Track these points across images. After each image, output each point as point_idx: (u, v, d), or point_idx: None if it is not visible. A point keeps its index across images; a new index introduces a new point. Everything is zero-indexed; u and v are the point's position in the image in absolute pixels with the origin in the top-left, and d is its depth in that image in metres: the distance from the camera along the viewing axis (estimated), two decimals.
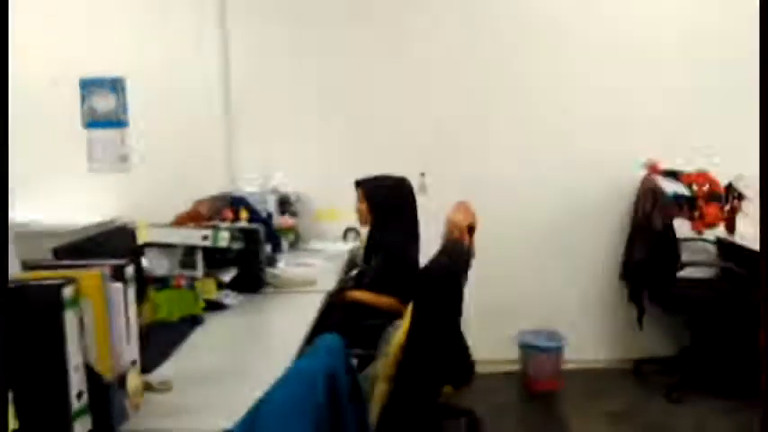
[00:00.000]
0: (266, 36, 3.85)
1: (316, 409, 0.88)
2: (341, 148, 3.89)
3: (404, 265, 2.69)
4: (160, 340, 1.90)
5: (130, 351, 1.49)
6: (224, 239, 2.24)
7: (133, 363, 1.50)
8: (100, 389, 1.36)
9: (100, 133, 3.87)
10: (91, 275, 1.35)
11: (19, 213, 3.52)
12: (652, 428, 3.12)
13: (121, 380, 1.43)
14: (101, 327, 1.36)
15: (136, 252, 2.06)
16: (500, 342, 3.76)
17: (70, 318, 1.28)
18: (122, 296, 1.45)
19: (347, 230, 3.83)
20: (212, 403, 1.51)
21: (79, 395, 1.31)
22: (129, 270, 1.51)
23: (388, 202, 2.89)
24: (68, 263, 1.43)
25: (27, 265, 1.49)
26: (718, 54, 3.74)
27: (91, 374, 1.35)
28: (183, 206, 2.83)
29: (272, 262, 2.88)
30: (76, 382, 1.30)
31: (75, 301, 1.30)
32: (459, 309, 1.78)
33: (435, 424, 1.85)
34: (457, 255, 1.68)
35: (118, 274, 1.45)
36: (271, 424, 0.80)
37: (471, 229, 2.46)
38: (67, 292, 1.28)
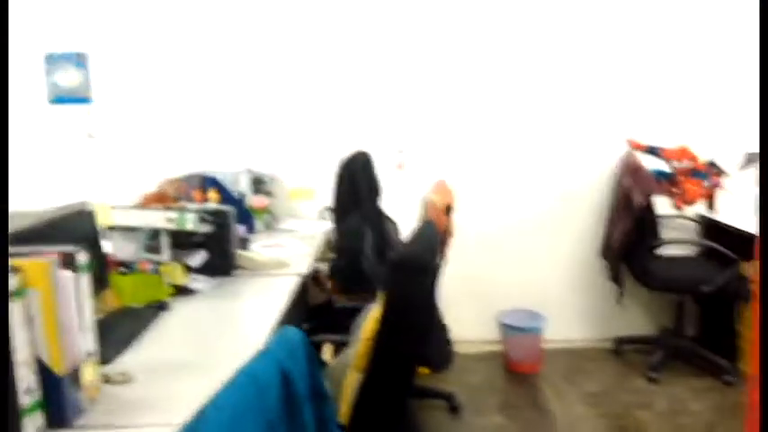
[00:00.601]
0: (237, 9, 3.72)
1: (267, 414, 0.81)
2: (316, 125, 3.79)
3: (361, 259, 2.63)
4: (122, 328, 1.81)
5: (85, 342, 1.41)
6: (190, 222, 2.15)
7: (89, 354, 1.42)
8: (51, 383, 1.29)
9: (65, 109, 3.73)
10: (37, 264, 1.26)
11: None
12: (631, 408, 3.11)
13: (76, 373, 1.35)
14: (50, 318, 1.28)
15: (95, 236, 1.96)
16: (480, 322, 3.73)
17: (16, 310, 1.21)
18: (74, 285, 1.37)
19: (324, 209, 3.75)
20: (174, 396, 1.44)
21: (29, 390, 1.24)
22: (82, 257, 1.42)
23: (340, 186, 2.81)
24: (16, 251, 1.34)
25: None
26: (701, 28, 3.69)
27: (41, 368, 1.28)
28: (155, 186, 2.73)
29: (244, 244, 2.79)
30: (25, 376, 1.23)
31: (20, 292, 1.22)
32: (433, 294, 1.71)
33: (409, 409, 1.79)
34: (429, 239, 1.62)
35: (68, 262, 1.36)
36: None
37: (449, 209, 2.39)
38: (12, 282, 1.20)
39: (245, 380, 0.82)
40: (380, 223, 2.75)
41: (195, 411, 0.77)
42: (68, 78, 3.65)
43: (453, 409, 3.08)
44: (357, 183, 2.77)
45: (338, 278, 2.74)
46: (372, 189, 2.77)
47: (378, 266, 2.63)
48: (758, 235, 1.61)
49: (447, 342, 2.52)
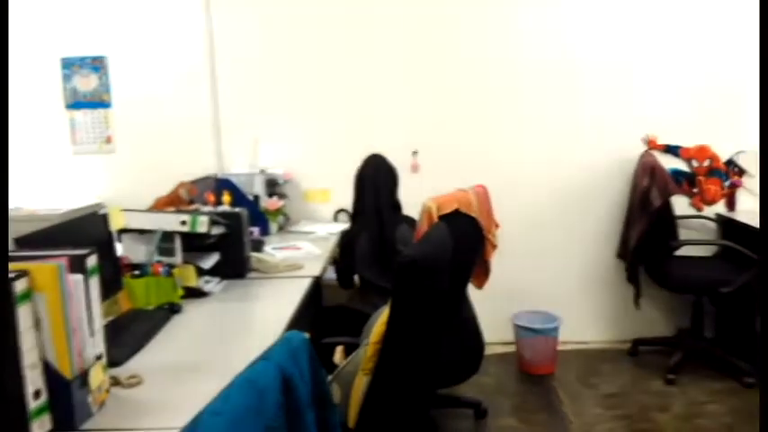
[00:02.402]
0: (254, 13, 3.73)
1: (265, 419, 0.80)
2: (331, 127, 3.79)
3: (355, 265, 2.65)
4: (134, 331, 1.83)
5: (94, 345, 1.42)
6: (203, 224, 2.16)
7: (98, 357, 1.43)
8: (59, 386, 1.30)
9: (83, 114, 3.77)
10: (45, 268, 1.27)
11: None
12: (648, 411, 3.06)
13: (84, 376, 1.36)
14: (57, 321, 1.29)
15: (108, 239, 1.98)
16: (494, 324, 3.69)
17: (23, 313, 1.22)
18: (83, 288, 1.38)
19: (338, 212, 3.75)
20: (184, 399, 1.45)
21: (37, 394, 1.25)
22: (92, 260, 1.43)
23: (355, 191, 2.83)
24: (26, 254, 1.35)
25: None
26: (722, 25, 3.64)
27: (49, 371, 1.29)
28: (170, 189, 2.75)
29: (258, 246, 2.80)
30: (33, 380, 1.24)
31: (27, 296, 1.23)
32: (444, 296, 1.70)
33: (420, 413, 1.78)
34: (438, 241, 1.60)
35: (77, 266, 1.37)
36: None
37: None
38: (19, 285, 1.21)
39: (244, 385, 0.81)
40: (385, 229, 2.73)
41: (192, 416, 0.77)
42: (86, 82, 3.69)
43: (479, 415, 3.06)
44: (364, 188, 2.77)
45: (340, 282, 2.77)
46: (380, 194, 2.75)
47: (373, 270, 2.64)
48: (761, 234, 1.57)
49: (472, 348, 2.49)
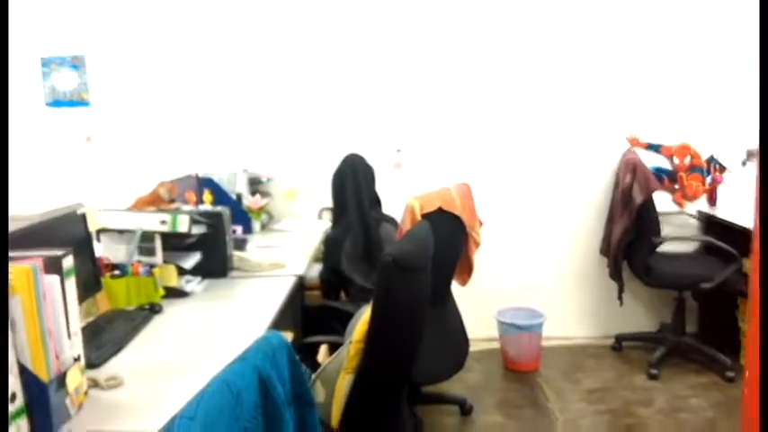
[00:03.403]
0: (233, 10, 3.70)
1: (242, 421, 0.79)
2: (314, 125, 3.77)
3: (341, 268, 2.64)
4: (114, 331, 1.80)
5: (72, 347, 1.40)
6: (183, 224, 2.14)
7: (76, 359, 1.41)
8: (36, 389, 1.27)
9: (62, 113, 3.72)
10: (19, 269, 1.25)
11: None
12: (631, 405, 3.09)
13: (62, 378, 1.34)
14: (32, 323, 1.27)
15: (87, 239, 1.95)
16: (479, 320, 3.70)
17: None
18: (59, 290, 1.35)
19: (322, 210, 3.73)
20: (164, 400, 1.42)
21: (13, 397, 1.23)
22: (68, 261, 1.41)
23: (333, 191, 2.82)
24: None
25: None
26: (702, 26, 3.67)
27: (25, 374, 1.26)
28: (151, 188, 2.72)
29: (241, 245, 2.78)
30: (9, 383, 1.22)
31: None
32: (425, 294, 1.69)
33: (404, 411, 1.78)
34: (420, 239, 1.60)
35: (53, 267, 1.35)
36: None
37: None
38: None
39: (219, 387, 0.80)
40: (370, 228, 2.71)
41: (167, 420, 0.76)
42: (66, 81, 3.64)
43: (465, 412, 3.06)
44: (345, 188, 2.75)
45: (324, 284, 2.75)
46: (362, 193, 2.74)
47: (361, 272, 2.62)
48: (756, 232, 1.59)
49: (457, 345, 2.49)
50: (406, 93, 3.74)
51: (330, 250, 2.74)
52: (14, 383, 1.24)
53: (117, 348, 1.72)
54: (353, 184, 2.73)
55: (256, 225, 3.34)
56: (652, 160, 3.71)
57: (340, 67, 3.73)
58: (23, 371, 1.26)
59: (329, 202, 3.56)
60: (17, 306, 1.24)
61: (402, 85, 3.74)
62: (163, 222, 2.12)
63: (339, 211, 2.78)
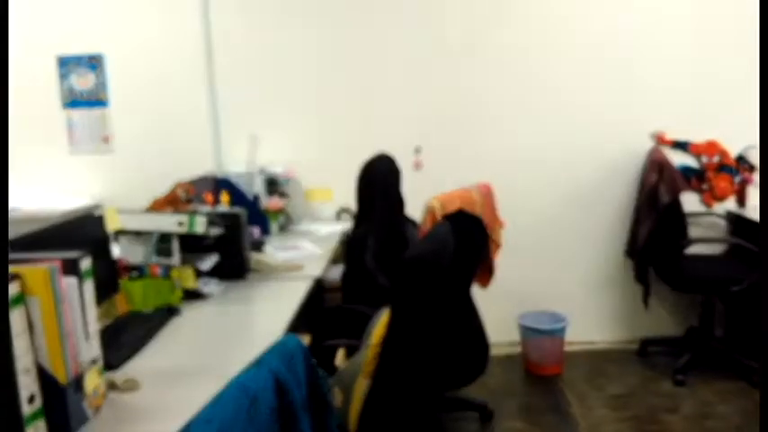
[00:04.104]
0: (252, 10, 3.69)
1: (258, 426, 0.77)
2: (333, 124, 3.75)
3: (364, 271, 2.60)
4: (131, 334, 1.79)
5: (90, 349, 1.39)
6: (200, 225, 2.12)
7: (94, 361, 1.40)
8: (54, 391, 1.27)
9: (80, 113, 3.74)
10: (37, 271, 1.24)
11: None
12: (656, 412, 3.02)
13: (79, 380, 1.33)
14: (51, 325, 1.26)
15: (104, 241, 1.95)
16: (500, 324, 3.64)
17: (15, 317, 1.18)
18: (77, 291, 1.34)
19: (341, 211, 3.71)
20: (181, 403, 1.40)
21: (31, 399, 1.22)
22: (86, 263, 1.40)
23: (358, 193, 2.75)
24: (18, 257, 1.32)
25: None
26: (730, 22, 3.58)
27: (43, 376, 1.25)
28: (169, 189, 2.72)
29: (258, 246, 2.76)
30: (27, 384, 1.21)
31: (19, 300, 1.20)
32: (447, 297, 1.66)
33: (423, 417, 1.74)
34: (440, 240, 1.56)
35: (71, 268, 1.34)
36: None
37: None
38: (11, 289, 1.18)
39: (235, 391, 0.78)
40: (399, 229, 2.67)
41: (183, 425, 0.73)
42: (83, 81, 3.66)
43: (485, 417, 3.02)
44: (374, 189, 2.70)
45: (345, 287, 2.71)
46: (392, 195, 2.69)
47: (387, 272, 2.58)
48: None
49: (477, 349, 2.45)
50: (426, 92, 3.70)
51: (353, 250, 2.69)
52: (32, 385, 1.23)
53: (134, 350, 1.71)
54: (383, 185, 2.69)
55: (274, 226, 3.32)
56: (679, 159, 3.63)
57: (360, 67, 3.70)
58: (42, 372, 1.25)
59: (347, 203, 3.57)
60: (35, 308, 1.23)
61: (423, 84, 3.69)
62: (180, 224, 2.11)
63: (365, 211, 2.73)
